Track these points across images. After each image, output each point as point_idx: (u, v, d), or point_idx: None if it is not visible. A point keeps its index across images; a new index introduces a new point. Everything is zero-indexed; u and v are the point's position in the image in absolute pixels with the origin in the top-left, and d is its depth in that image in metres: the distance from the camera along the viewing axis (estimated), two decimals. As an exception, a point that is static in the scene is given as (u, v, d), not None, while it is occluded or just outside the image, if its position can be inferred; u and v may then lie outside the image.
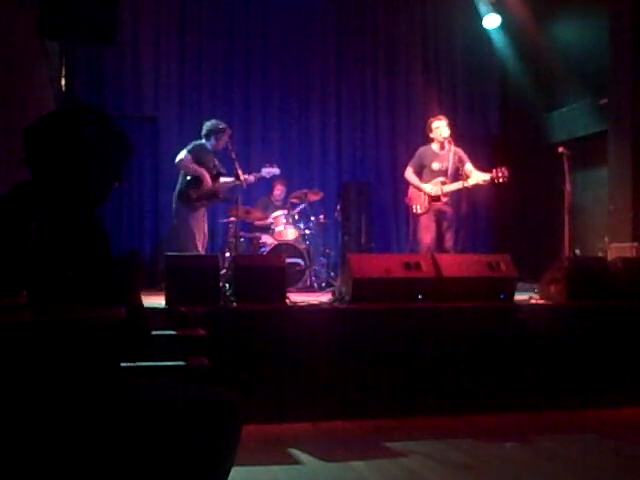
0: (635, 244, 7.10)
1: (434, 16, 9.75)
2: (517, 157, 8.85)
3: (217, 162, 6.79)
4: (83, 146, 1.91)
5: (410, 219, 7.21)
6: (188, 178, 6.59)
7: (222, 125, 6.79)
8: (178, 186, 6.70)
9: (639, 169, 7.44)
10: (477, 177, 6.59)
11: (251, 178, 6.93)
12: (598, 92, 8.04)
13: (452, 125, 6.82)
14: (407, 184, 6.94)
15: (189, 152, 6.59)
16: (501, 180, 6.52)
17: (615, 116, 7.75)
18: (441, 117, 6.83)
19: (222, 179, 6.79)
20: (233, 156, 6.61)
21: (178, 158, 6.63)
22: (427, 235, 6.64)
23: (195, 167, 6.57)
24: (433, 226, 6.66)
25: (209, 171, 6.64)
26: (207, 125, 6.81)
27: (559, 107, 8.87)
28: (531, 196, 8.89)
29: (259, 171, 7.03)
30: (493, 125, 9.94)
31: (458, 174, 6.65)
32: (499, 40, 9.34)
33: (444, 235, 6.68)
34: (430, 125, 6.82)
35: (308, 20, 9.37)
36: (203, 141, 6.75)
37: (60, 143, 1.89)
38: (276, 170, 7.00)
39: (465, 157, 6.71)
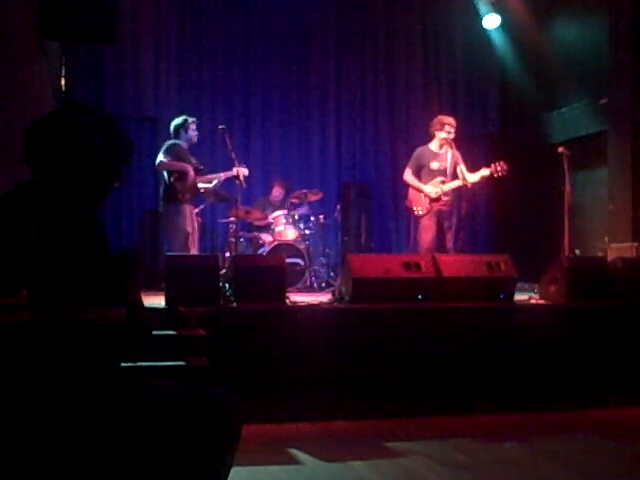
0: (635, 244, 7.10)
1: (434, 16, 9.74)
2: (517, 157, 8.81)
3: (194, 159, 6.80)
4: (83, 147, 1.91)
5: (411, 220, 7.20)
6: (172, 174, 6.59)
7: (184, 117, 6.82)
8: (163, 186, 6.71)
9: (639, 169, 7.44)
10: (476, 174, 6.58)
11: (222, 176, 6.93)
12: (598, 92, 8.03)
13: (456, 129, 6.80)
14: (406, 186, 6.92)
15: (167, 152, 6.59)
16: (500, 174, 6.50)
17: (615, 116, 7.74)
18: (453, 119, 6.79)
19: (208, 176, 6.84)
20: (233, 156, 6.61)
21: (157, 161, 6.63)
22: (427, 236, 6.62)
23: (176, 163, 6.59)
24: (434, 227, 6.64)
25: (191, 166, 6.70)
26: (172, 124, 6.82)
27: (559, 107, 8.87)
28: (531, 196, 8.89)
29: (230, 169, 6.88)
30: (493, 125, 9.94)
31: (456, 173, 6.64)
32: (499, 40, 9.34)
33: (445, 235, 6.66)
34: (442, 120, 6.72)
35: (308, 21, 9.37)
36: (173, 140, 6.73)
37: (60, 144, 1.89)
38: (245, 170, 6.85)
39: (460, 159, 6.69)
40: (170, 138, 6.81)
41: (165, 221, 6.74)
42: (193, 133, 6.83)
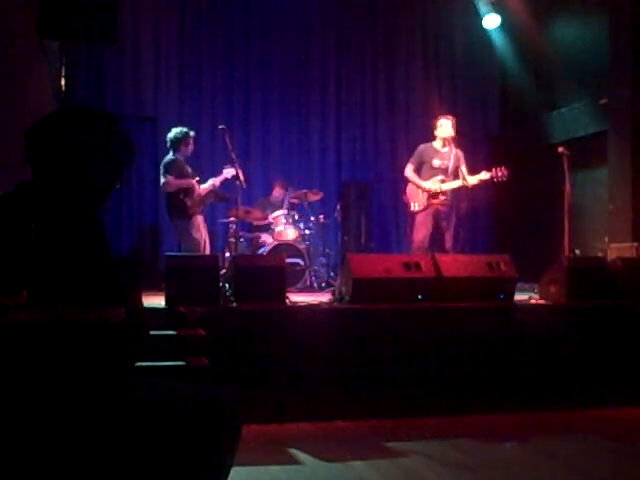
0: (635, 244, 7.10)
1: (434, 16, 9.74)
2: (517, 157, 8.84)
3: (191, 171, 6.79)
4: (84, 147, 1.91)
5: (407, 217, 7.19)
6: (180, 193, 6.59)
7: (184, 130, 6.76)
8: (170, 202, 6.68)
9: (639, 169, 7.44)
10: (475, 177, 6.59)
11: (217, 182, 6.87)
12: (598, 92, 8.03)
13: (456, 127, 6.80)
14: (405, 182, 6.92)
15: (168, 173, 6.57)
16: (500, 179, 6.52)
17: (615, 116, 7.74)
18: (449, 117, 6.81)
19: (202, 186, 6.80)
20: (233, 156, 6.60)
21: (162, 183, 6.63)
22: (420, 234, 6.59)
23: (180, 182, 6.59)
24: (429, 225, 6.61)
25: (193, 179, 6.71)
26: (170, 138, 6.72)
27: (559, 107, 8.87)
28: (531, 196, 8.89)
29: (221, 172, 6.84)
30: (493, 125, 9.94)
31: (457, 174, 6.65)
32: (499, 40, 9.34)
33: (443, 235, 6.65)
34: (436, 122, 6.81)
35: (308, 21, 9.37)
36: (172, 156, 6.68)
37: (62, 144, 1.89)
38: (232, 170, 6.67)
39: (463, 160, 6.71)
40: (167, 149, 6.77)
41: (179, 234, 6.74)
42: (191, 147, 6.82)
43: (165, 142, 6.83)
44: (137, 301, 1.97)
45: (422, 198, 6.64)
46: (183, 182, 6.60)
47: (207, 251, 6.74)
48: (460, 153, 6.72)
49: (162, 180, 6.62)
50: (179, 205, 6.59)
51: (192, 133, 6.81)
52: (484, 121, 9.89)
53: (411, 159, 6.87)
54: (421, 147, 6.87)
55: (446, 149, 6.71)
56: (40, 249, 1.74)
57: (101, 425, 1.73)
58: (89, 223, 1.98)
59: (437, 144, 6.78)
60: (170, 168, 6.60)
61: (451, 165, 6.65)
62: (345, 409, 4.37)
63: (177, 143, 6.71)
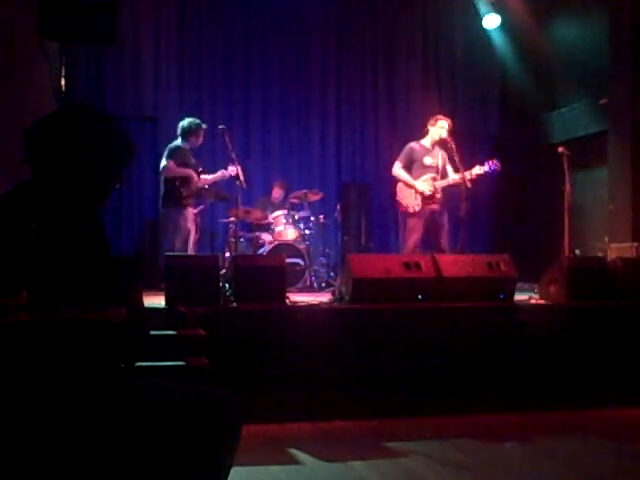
0: (635, 244, 7.11)
1: (434, 16, 9.74)
2: (517, 157, 8.84)
3: (194, 161, 6.77)
4: (85, 147, 1.91)
5: (398, 217, 7.14)
6: (177, 179, 6.57)
7: (197, 121, 6.74)
8: (166, 189, 6.65)
9: (639, 169, 7.44)
10: (471, 170, 6.52)
11: (226, 174, 6.79)
12: (598, 92, 8.04)
13: (452, 131, 6.77)
14: (394, 181, 6.86)
15: (170, 158, 6.53)
16: (494, 172, 6.50)
17: (615, 116, 7.75)
18: (448, 119, 6.78)
19: (203, 176, 6.77)
20: (233, 156, 6.60)
21: (162, 166, 6.61)
22: (413, 237, 6.53)
23: (180, 170, 6.56)
24: (420, 229, 6.53)
25: (194, 170, 6.66)
26: (183, 125, 6.71)
27: (559, 107, 8.88)
28: (531, 196, 8.89)
29: (226, 169, 6.81)
30: (493, 125, 9.93)
31: (446, 172, 6.63)
32: (499, 40, 9.34)
33: (439, 233, 6.60)
34: (436, 121, 6.72)
35: (308, 21, 9.37)
36: (179, 143, 6.65)
37: (62, 144, 1.89)
38: (234, 169, 6.67)
39: (448, 161, 6.68)
40: (174, 137, 6.75)
41: (168, 223, 6.72)
42: (201, 140, 6.80)
43: (167, 137, 6.82)
44: (138, 301, 1.97)
45: (417, 199, 6.58)
46: (182, 171, 6.57)
47: (191, 245, 6.70)
48: (445, 154, 6.70)
49: (163, 163, 6.60)
50: (175, 193, 6.57)
51: (204, 126, 6.81)
52: (484, 121, 9.88)
53: (400, 157, 6.79)
54: (410, 145, 6.79)
55: (435, 147, 6.70)
56: (40, 249, 1.74)
57: (101, 425, 1.73)
58: (89, 223, 1.99)
59: (426, 142, 6.74)
60: (173, 154, 6.58)
61: (441, 163, 6.64)
62: (345, 409, 4.37)
63: (188, 132, 6.68)
